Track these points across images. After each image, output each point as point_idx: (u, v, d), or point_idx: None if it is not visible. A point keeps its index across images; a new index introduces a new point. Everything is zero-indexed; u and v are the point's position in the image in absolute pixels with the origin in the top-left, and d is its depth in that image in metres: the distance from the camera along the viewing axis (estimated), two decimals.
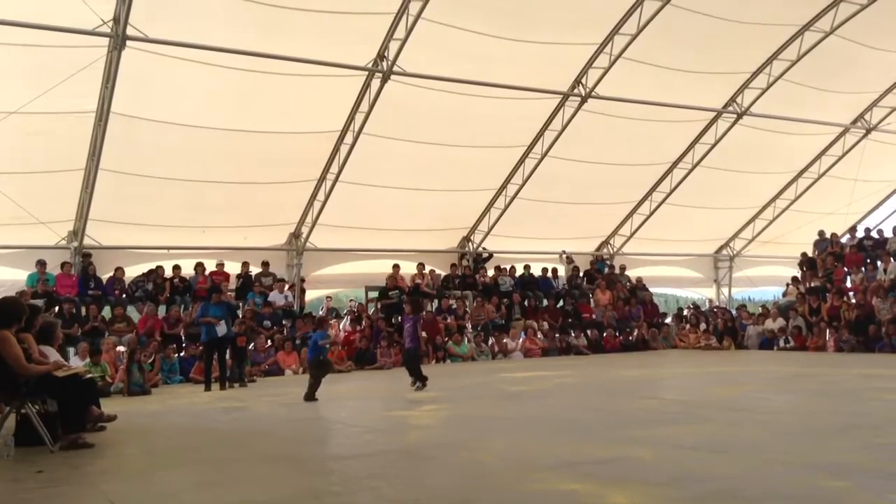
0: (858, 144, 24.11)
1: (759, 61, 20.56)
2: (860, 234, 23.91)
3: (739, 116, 21.66)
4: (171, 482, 6.10)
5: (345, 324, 20.59)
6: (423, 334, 18.58)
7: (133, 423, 9.48)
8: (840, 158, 24.33)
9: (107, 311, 17.33)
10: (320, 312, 20.56)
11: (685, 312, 24.54)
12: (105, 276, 17.85)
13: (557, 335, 21.29)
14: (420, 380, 12.35)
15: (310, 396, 11.42)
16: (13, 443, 7.45)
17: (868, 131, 23.89)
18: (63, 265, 17.15)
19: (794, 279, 23.32)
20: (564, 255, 23.56)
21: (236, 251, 19.51)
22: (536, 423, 8.74)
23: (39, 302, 14.31)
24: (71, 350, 15.32)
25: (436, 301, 21.17)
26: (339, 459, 7.13)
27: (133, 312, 17.52)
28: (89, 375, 9.37)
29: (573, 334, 21.44)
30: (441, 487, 5.56)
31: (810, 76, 20.92)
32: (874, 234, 23.48)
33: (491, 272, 22.52)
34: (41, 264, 16.69)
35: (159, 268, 18.16)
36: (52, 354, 8.85)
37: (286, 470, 6.46)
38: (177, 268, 18.39)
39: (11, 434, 7.61)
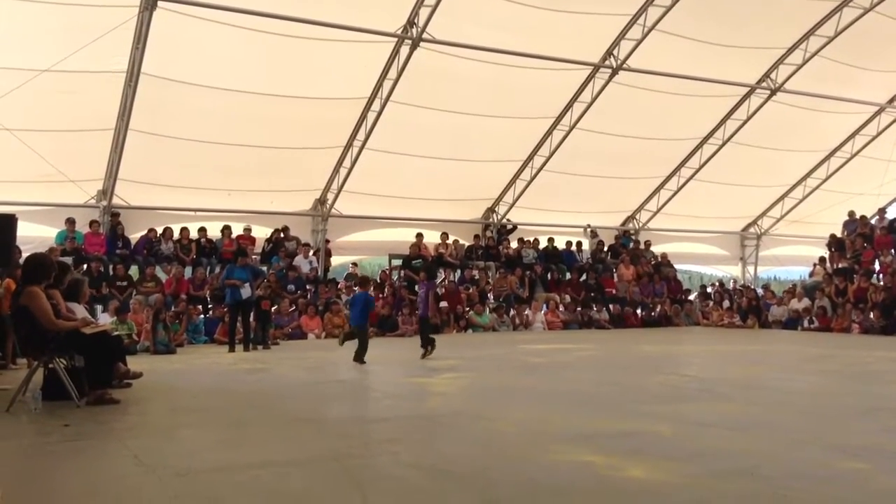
0: (893, 124, 23.65)
1: (795, 37, 20.14)
2: (890, 215, 23.54)
3: (773, 93, 21.28)
4: (194, 440, 6.21)
5: None
6: (445, 304, 18.83)
7: (158, 381, 9.63)
8: (874, 138, 23.87)
9: (134, 271, 17.55)
10: (344, 279, 20.66)
11: (709, 290, 24.39)
12: (133, 236, 18.06)
13: (579, 309, 21.26)
14: (428, 344, 12.46)
15: (359, 358, 11.59)
16: (41, 397, 7.59)
17: None
18: (91, 224, 17.35)
19: (822, 259, 23.07)
20: (589, 230, 23.45)
21: (262, 215, 19.65)
22: (555, 395, 8.77)
23: (68, 259, 14.51)
24: (99, 307, 15.57)
25: (458, 271, 21.20)
26: (360, 423, 7.21)
27: (160, 273, 17.70)
28: (116, 333, 9.52)
29: (595, 308, 21.40)
30: (459, 454, 5.61)
31: (847, 53, 20.47)
32: None
33: (514, 244, 22.49)
34: (70, 222, 16.91)
35: (167, 229, 18.19)
36: (80, 311, 9.01)
37: (307, 432, 6.56)
38: (203, 230, 18.55)
39: (39, 388, 7.75)
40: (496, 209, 22.65)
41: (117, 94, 15.83)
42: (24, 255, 11.41)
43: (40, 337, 7.59)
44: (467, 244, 21.94)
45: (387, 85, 17.67)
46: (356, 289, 15.69)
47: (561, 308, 21.04)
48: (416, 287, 15.35)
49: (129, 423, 6.90)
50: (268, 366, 11.85)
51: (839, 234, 23.39)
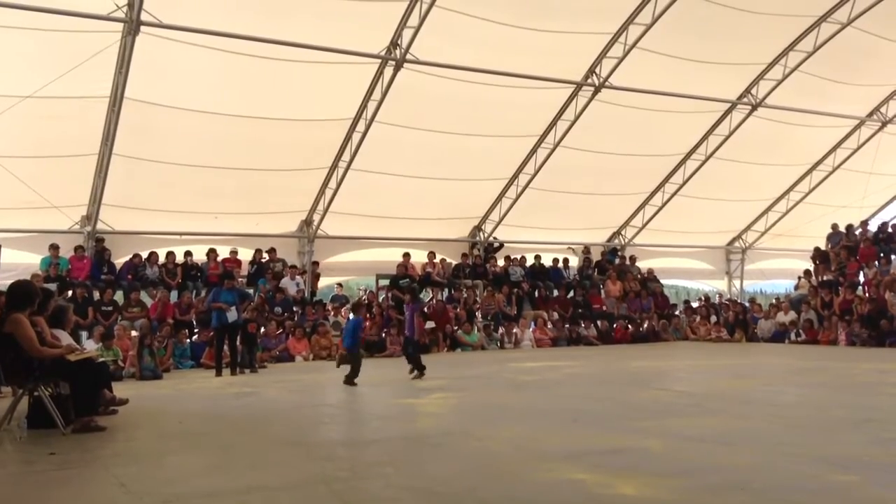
0: (874, 137, 23.93)
1: (774, 52, 20.38)
2: (873, 227, 23.74)
3: (754, 108, 21.51)
4: (181, 466, 6.15)
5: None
6: (433, 324, 18.78)
7: (145, 406, 9.53)
8: (855, 151, 24.16)
9: (119, 296, 17.42)
10: (329, 301, 20.56)
11: (695, 304, 24.44)
12: (118, 261, 17.94)
13: (567, 326, 21.26)
14: (418, 368, 12.45)
15: (349, 380, 11.55)
16: (26, 425, 7.50)
17: (884, 124, 23.69)
18: (76, 249, 17.25)
19: (807, 272, 23.20)
20: (570, 250, 23.62)
21: (248, 238, 19.60)
22: (545, 412, 8.74)
23: (52, 286, 14.41)
24: (84, 334, 15.44)
25: (446, 290, 21.18)
26: (349, 445, 7.17)
27: (145, 297, 17.60)
28: (101, 359, 9.43)
29: (583, 325, 21.41)
30: (449, 475, 5.58)
31: (826, 68, 20.73)
32: (889, 229, 23.30)
33: (501, 262, 22.50)
34: (54, 248, 16.80)
35: (152, 254, 18.11)
36: (65, 338, 8.92)
37: (296, 455, 6.50)
38: (188, 253, 18.46)
39: (24, 416, 7.67)
40: (483, 227, 22.68)
41: (101, 118, 15.81)
42: (8, 281, 11.32)
43: (25, 364, 7.51)
44: (454, 263, 21.95)
45: (371, 106, 17.74)
46: (343, 312, 15.63)
47: (549, 325, 21.03)
48: (404, 307, 15.35)
49: (115, 451, 6.83)
50: (255, 389, 11.76)
51: (823, 247, 23.55)
